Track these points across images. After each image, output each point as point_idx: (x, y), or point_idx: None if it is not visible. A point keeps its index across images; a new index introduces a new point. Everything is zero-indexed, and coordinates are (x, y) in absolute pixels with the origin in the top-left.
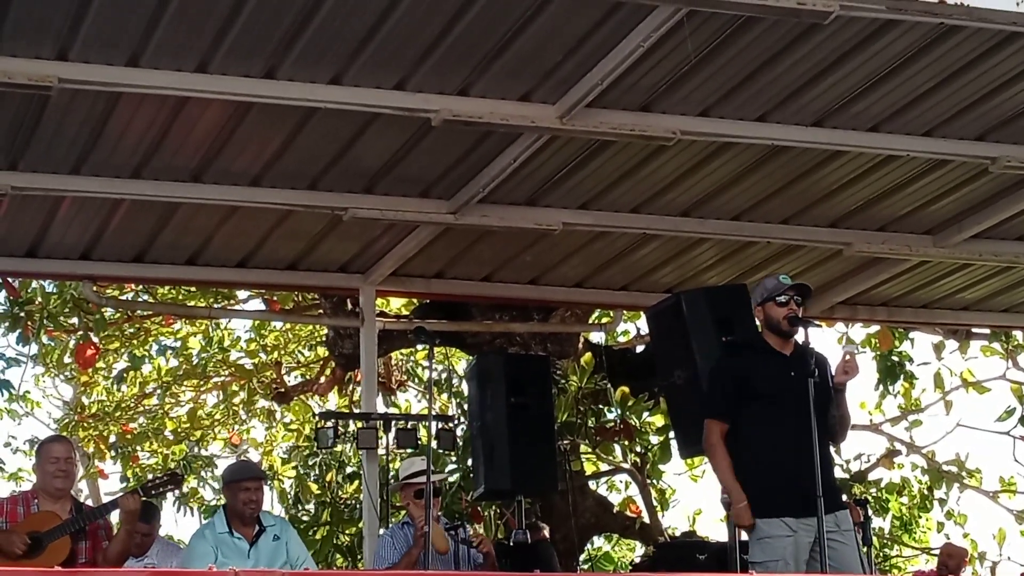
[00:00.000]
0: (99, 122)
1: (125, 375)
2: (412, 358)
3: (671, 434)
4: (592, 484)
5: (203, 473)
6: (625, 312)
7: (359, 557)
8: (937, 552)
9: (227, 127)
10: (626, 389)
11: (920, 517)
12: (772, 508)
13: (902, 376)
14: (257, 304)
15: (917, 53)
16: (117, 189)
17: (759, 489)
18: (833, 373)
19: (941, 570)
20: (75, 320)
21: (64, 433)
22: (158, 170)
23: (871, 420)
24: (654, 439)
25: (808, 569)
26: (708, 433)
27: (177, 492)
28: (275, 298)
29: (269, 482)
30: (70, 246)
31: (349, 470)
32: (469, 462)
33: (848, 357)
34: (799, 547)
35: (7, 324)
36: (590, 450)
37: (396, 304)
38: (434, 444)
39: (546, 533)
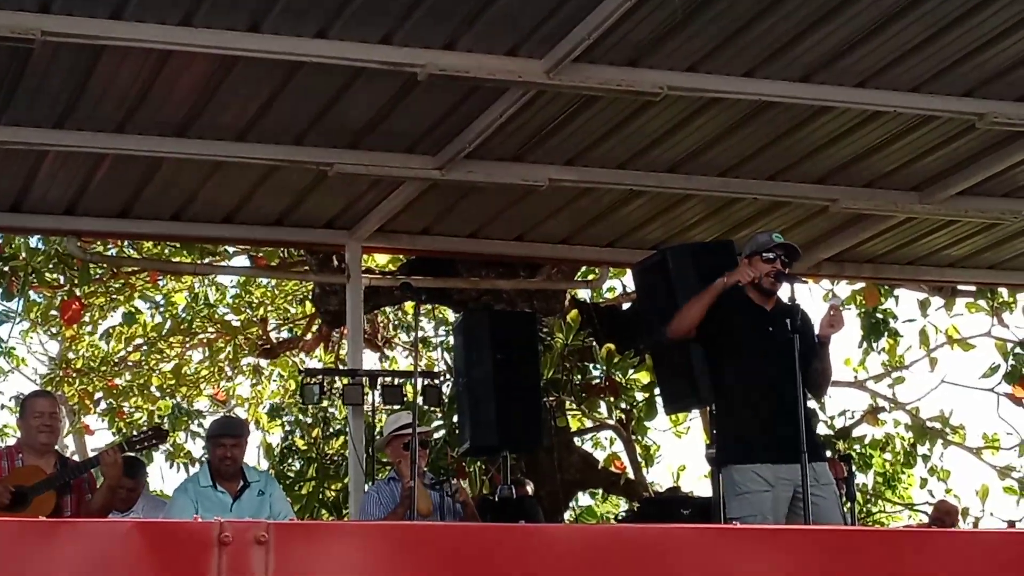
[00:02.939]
0: (82, 76)
1: (112, 331)
2: (399, 315)
3: (656, 391)
4: (577, 440)
5: (192, 426)
6: (611, 269)
7: (345, 512)
8: (921, 507)
9: (212, 81)
10: (612, 346)
11: (903, 473)
12: (748, 454)
13: (886, 333)
14: (243, 260)
15: (905, 8)
16: (101, 144)
17: (737, 436)
18: (816, 328)
19: (935, 527)
20: (60, 276)
21: (49, 388)
22: (142, 125)
23: (855, 377)
24: (639, 396)
25: (790, 523)
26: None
27: (163, 447)
28: (261, 254)
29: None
30: (54, 201)
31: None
32: (455, 418)
33: (833, 311)
34: (777, 501)
35: None
36: (575, 407)
37: (382, 260)
38: (420, 400)
39: (531, 489)
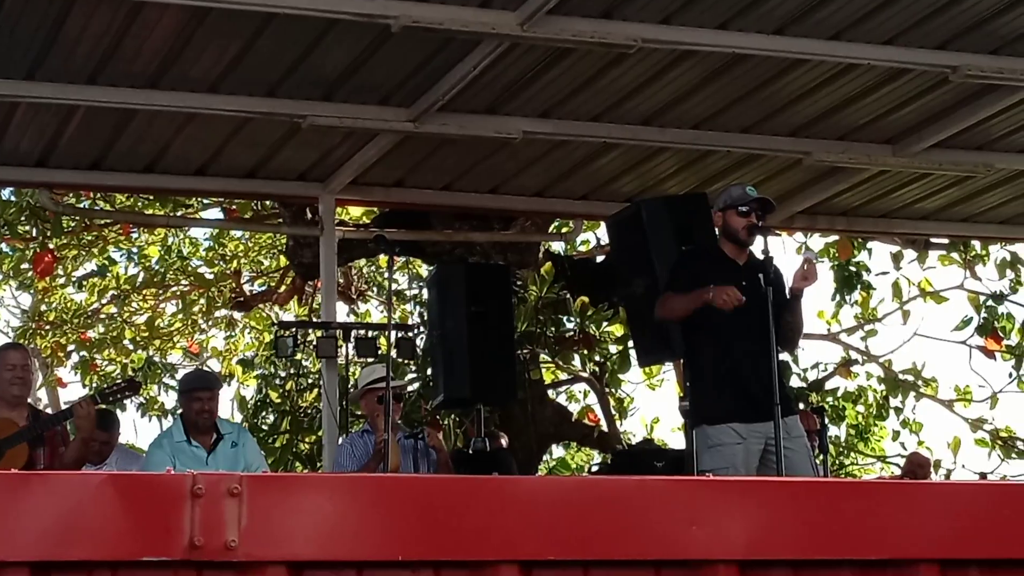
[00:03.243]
0: (54, 27)
1: (85, 282)
2: (372, 267)
3: (630, 343)
4: (551, 393)
5: (165, 379)
6: (585, 221)
7: (319, 464)
8: (893, 460)
9: (184, 32)
10: (586, 299)
11: (876, 426)
12: (722, 414)
13: (859, 286)
14: (216, 213)
15: None
16: (72, 95)
17: (710, 395)
18: (789, 281)
19: (908, 478)
20: (32, 228)
21: (21, 341)
22: (114, 76)
23: (828, 329)
24: (613, 348)
25: (761, 475)
26: (660, 301)
27: (136, 399)
28: (234, 207)
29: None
30: (26, 153)
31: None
32: (429, 371)
33: (807, 264)
34: (748, 453)
35: None
36: (549, 359)
37: (356, 213)
38: (394, 353)
39: (505, 442)
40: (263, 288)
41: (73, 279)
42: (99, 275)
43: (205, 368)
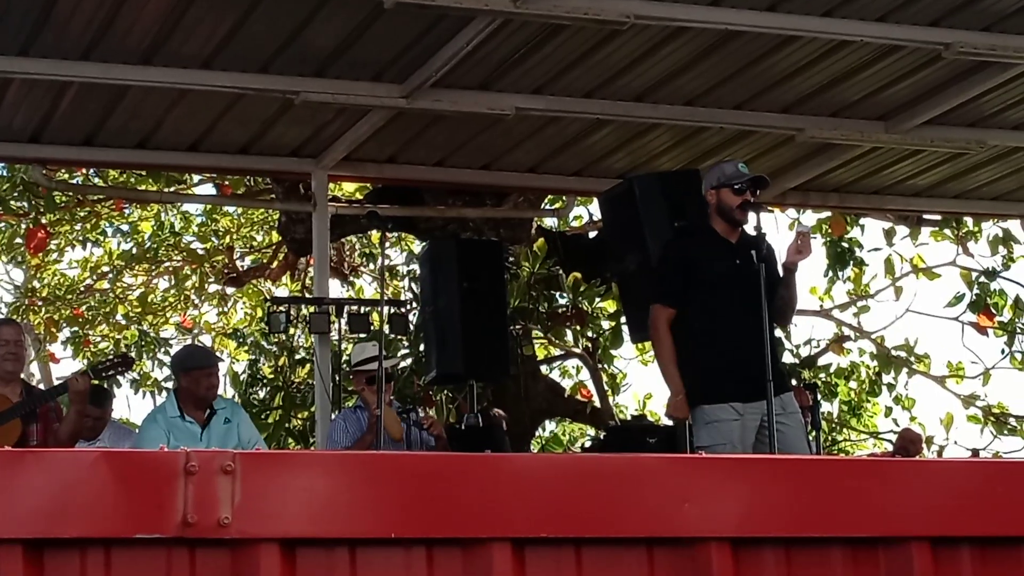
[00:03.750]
0: (47, 3)
1: (84, 260)
2: (364, 242)
3: (623, 319)
4: (544, 369)
5: (159, 354)
6: (578, 197)
7: (311, 441)
8: (885, 436)
9: (177, 8)
10: (578, 275)
11: (868, 402)
12: (719, 394)
13: (852, 262)
14: (208, 189)
15: None
16: (65, 71)
17: (706, 374)
18: (784, 255)
19: (900, 455)
20: (25, 204)
21: (15, 317)
22: (107, 53)
23: (821, 306)
24: (606, 324)
25: (756, 452)
26: (654, 318)
27: (129, 375)
28: (227, 182)
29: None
30: (19, 129)
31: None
32: (421, 347)
33: (801, 238)
34: (745, 430)
35: None
36: (542, 335)
37: (349, 189)
38: (386, 329)
39: (504, 423)
40: (255, 264)
41: (66, 257)
42: (90, 246)
43: (199, 343)
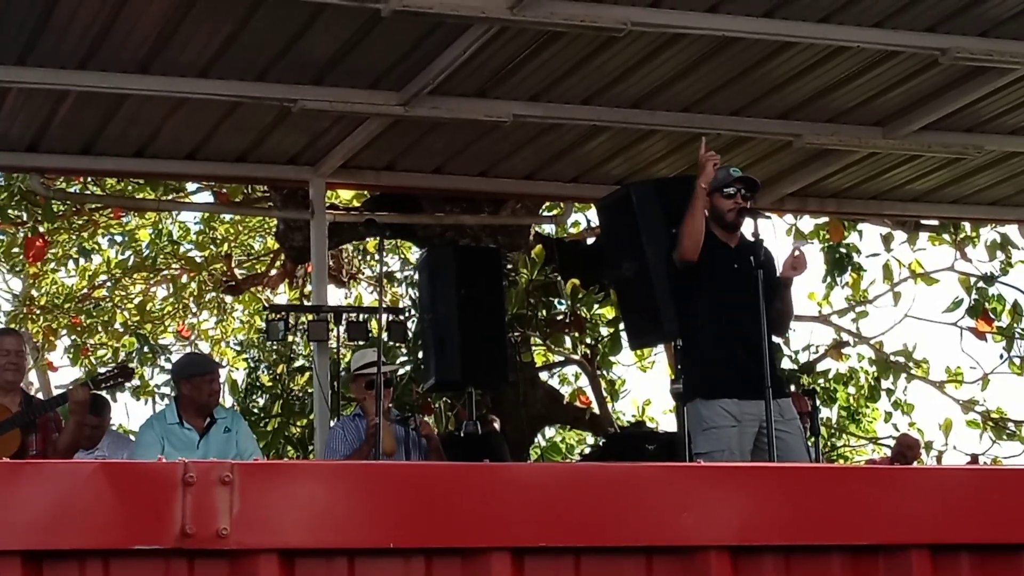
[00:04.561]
0: (45, 11)
1: (75, 268)
2: (362, 249)
3: (621, 325)
4: (542, 375)
5: (159, 361)
6: (575, 204)
7: (310, 449)
8: (884, 441)
9: (175, 17)
10: (576, 281)
11: (867, 407)
12: (715, 389)
13: (850, 267)
14: (206, 197)
15: None
16: (63, 80)
17: (703, 371)
18: (780, 267)
19: (898, 460)
20: (23, 213)
21: (13, 326)
22: (105, 61)
23: (819, 311)
24: (604, 331)
25: (755, 459)
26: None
27: (127, 385)
28: (224, 190)
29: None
30: (17, 138)
31: (300, 363)
32: (420, 354)
33: (797, 253)
34: (743, 435)
35: None
36: (540, 342)
37: (346, 196)
38: (385, 336)
39: (497, 425)
40: (252, 272)
41: (68, 270)
42: (87, 256)
43: (197, 351)
